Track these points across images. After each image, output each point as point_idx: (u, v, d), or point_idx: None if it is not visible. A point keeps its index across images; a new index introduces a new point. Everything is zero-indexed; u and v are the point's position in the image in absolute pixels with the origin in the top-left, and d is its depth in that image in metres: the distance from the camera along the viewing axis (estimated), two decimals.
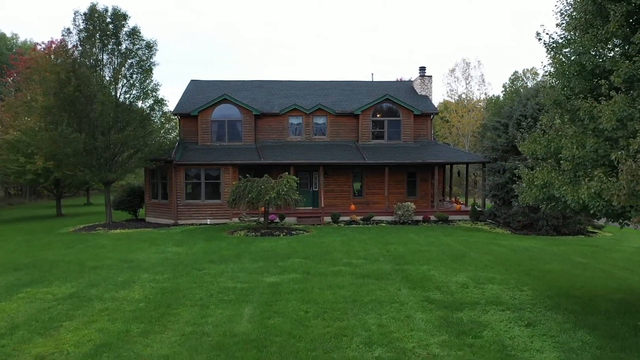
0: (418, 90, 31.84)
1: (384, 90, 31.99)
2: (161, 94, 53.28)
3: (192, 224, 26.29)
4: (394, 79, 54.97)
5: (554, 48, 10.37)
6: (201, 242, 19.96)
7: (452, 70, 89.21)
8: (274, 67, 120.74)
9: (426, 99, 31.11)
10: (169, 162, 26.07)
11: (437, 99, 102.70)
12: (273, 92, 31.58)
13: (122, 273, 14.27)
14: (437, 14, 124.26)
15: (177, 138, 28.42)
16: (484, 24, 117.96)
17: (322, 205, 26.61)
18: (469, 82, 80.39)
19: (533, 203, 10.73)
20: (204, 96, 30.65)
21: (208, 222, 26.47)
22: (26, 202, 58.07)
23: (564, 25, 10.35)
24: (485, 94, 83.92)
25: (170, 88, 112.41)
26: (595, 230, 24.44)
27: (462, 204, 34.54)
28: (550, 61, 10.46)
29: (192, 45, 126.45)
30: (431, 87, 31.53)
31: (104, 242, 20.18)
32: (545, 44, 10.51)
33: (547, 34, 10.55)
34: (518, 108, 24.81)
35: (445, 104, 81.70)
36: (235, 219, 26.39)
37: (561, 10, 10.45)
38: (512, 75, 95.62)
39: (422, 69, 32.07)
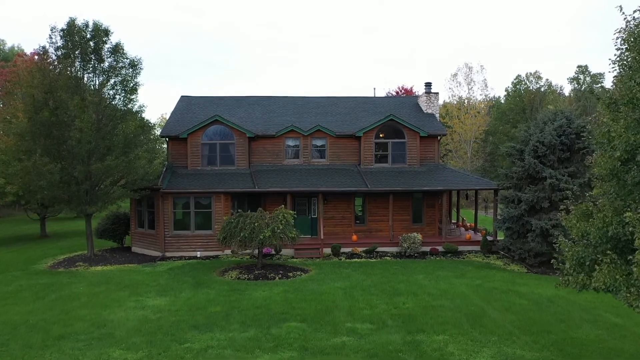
0: (424, 108, 29.82)
1: (387, 108, 30.02)
2: (147, 115, 51.14)
3: (181, 257, 24.29)
4: (395, 86, 53.01)
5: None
6: (187, 290, 17.93)
7: (454, 75, 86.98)
8: (276, 67, 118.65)
9: (432, 117, 29.11)
10: (156, 190, 24.06)
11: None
12: (269, 110, 29.55)
13: (90, 349, 12.25)
14: (438, 14, 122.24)
15: (165, 162, 26.37)
16: (487, 24, 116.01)
17: (322, 237, 24.57)
18: (472, 88, 78.38)
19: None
20: (194, 115, 28.63)
21: (198, 255, 24.47)
22: (14, 214, 55.97)
23: None
24: (486, 95, 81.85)
25: (167, 90, 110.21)
26: None
27: (470, 227, 32.60)
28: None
29: (192, 46, 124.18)
30: (437, 105, 29.55)
31: (80, 290, 18.12)
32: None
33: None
34: (535, 133, 22.82)
35: (447, 107, 79.74)
36: (228, 252, 24.38)
37: None
38: (514, 79, 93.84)
39: (428, 84, 30.08)
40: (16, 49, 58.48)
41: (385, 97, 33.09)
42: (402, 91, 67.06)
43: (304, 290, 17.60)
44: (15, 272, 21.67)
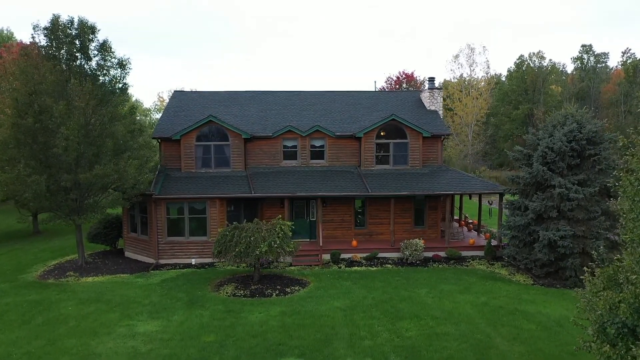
0: (427, 104, 28.68)
1: (388, 104, 28.90)
2: (143, 95, 50.02)
3: (175, 264, 23.53)
4: (396, 71, 51.86)
5: None
6: (180, 311, 17.17)
7: (456, 57, 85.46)
8: (272, 39, 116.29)
9: (435, 115, 27.99)
10: (148, 195, 23.13)
11: (438, 80, 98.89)
12: (266, 107, 28.40)
13: None
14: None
15: (158, 165, 25.34)
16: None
17: (321, 245, 23.75)
18: (474, 69, 76.85)
19: None
20: (187, 113, 27.50)
21: (193, 262, 23.69)
22: (6, 203, 54.93)
23: None
24: (487, 72, 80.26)
25: (162, 64, 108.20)
26: None
27: (473, 224, 31.85)
28: None
29: (187, 19, 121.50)
30: (440, 101, 28.39)
31: (68, 311, 17.32)
32: None
33: None
34: (544, 138, 21.78)
35: (448, 90, 78.20)
36: (224, 259, 23.54)
37: None
38: (517, 59, 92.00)
39: (431, 80, 28.88)
40: (5, 32, 56.61)
41: (386, 92, 31.87)
42: (403, 76, 65.55)
43: (302, 313, 16.84)
44: (2, 284, 20.88)
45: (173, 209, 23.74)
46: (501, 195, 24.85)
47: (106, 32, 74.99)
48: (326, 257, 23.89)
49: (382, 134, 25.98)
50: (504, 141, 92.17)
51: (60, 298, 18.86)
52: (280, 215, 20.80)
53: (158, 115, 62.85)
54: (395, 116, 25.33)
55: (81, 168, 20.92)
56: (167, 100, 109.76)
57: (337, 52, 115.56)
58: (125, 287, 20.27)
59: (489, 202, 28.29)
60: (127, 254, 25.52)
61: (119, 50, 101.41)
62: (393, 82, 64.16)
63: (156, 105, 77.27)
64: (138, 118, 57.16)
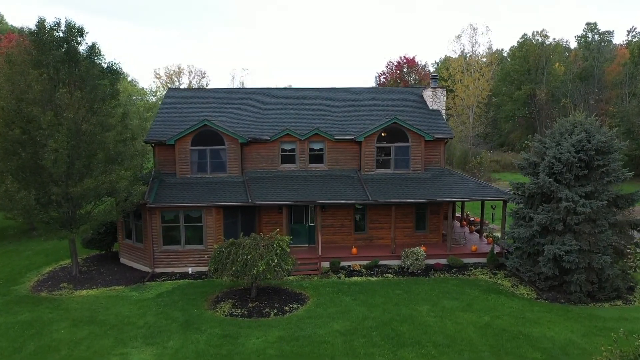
0: (429, 104, 27.77)
1: (389, 102, 28.02)
2: (138, 71, 48.52)
3: (172, 273, 23.07)
4: (397, 55, 50.81)
5: None
6: (176, 335, 16.71)
7: (458, 37, 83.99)
8: (270, 9, 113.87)
9: (438, 115, 27.12)
10: (142, 204, 22.48)
11: (439, 56, 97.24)
12: (262, 107, 27.49)
13: None
14: None
15: (152, 172, 24.58)
16: None
17: (320, 254, 23.22)
18: (476, 50, 75.25)
19: None
20: (181, 114, 26.62)
21: (190, 272, 23.21)
22: None
23: None
24: (490, 48, 78.75)
25: (158, 37, 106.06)
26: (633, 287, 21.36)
27: (476, 221, 31.41)
28: None
29: None
30: (443, 100, 27.48)
31: (61, 335, 16.84)
32: None
33: None
34: (551, 147, 21.01)
35: (449, 71, 76.76)
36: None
37: None
38: (520, 38, 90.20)
39: (434, 77, 27.94)
40: None
41: (387, 89, 30.90)
42: (404, 60, 64.11)
43: (301, 339, 16.38)
44: None
45: (168, 217, 23.12)
46: (504, 202, 24.22)
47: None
48: (325, 265, 23.43)
49: (383, 134, 25.16)
50: (505, 122, 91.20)
51: (53, 318, 18.39)
52: (278, 230, 20.17)
53: (153, 99, 61.47)
54: (397, 119, 24.49)
55: (72, 180, 20.21)
56: (164, 77, 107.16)
57: (336, 26, 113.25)
58: (120, 302, 19.81)
59: (492, 206, 27.76)
60: (123, 260, 25.03)
61: (114, 25, 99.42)
62: (394, 67, 62.76)
63: (153, 83, 75.58)
64: (131, 122, 56.14)
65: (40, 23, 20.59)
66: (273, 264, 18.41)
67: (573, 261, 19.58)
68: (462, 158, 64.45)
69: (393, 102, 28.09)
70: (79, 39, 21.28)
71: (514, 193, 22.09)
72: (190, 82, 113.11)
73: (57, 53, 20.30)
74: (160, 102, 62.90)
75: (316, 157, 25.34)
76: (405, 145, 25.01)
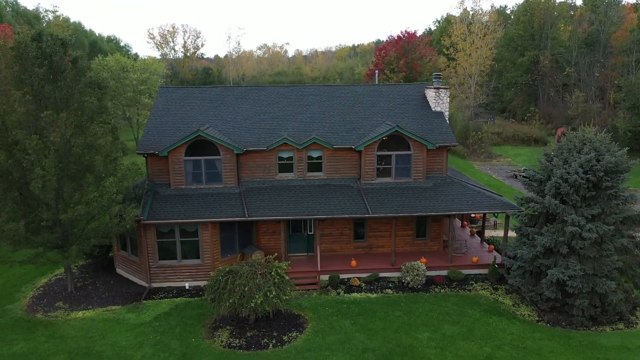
0: (432, 105, 26.71)
1: (390, 102, 26.98)
2: (131, 37, 46.52)
3: (169, 289, 22.76)
4: (398, 30, 48.99)
5: None
6: None
7: (461, 2, 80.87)
8: None
9: (441, 116, 26.12)
10: (137, 221, 21.88)
11: (441, 14, 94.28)
12: (258, 109, 26.42)
13: None
14: None
15: (145, 184, 23.77)
16: None
17: (319, 268, 22.85)
18: (480, 6, 72.65)
19: None
20: (174, 118, 25.61)
21: (187, 287, 22.90)
22: None
23: None
24: (492, 6, 76.30)
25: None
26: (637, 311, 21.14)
27: (477, 218, 30.99)
28: None
29: None
30: (447, 101, 26.38)
31: None
32: None
33: None
34: (558, 166, 20.25)
35: (452, 38, 74.51)
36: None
37: None
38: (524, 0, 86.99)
39: (437, 76, 26.74)
40: None
41: (388, 86, 29.67)
42: (405, 35, 61.93)
43: None
44: None
45: (163, 232, 22.58)
46: (507, 217, 23.66)
47: None
48: (324, 278, 23.11)
49: (384, 138, 24.24)
50: (507, 89, 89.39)
51: (49, 349, 18.15)
52: (275, 254, 19.69)
53: (147, 74, 59.37)
54: (399, 128, 23.53)
55: (62, 203, 19.51)
56: (158, 38, 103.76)
57: None
58: (117, 328, 19.55)
59: (494, 215, 27.21)
60: (119, 270, 24.68)
61: None
62: (395, 41, 60.71)
63: (147, 44, 72.48)
64: (126, 95, 54.43)
65: (21, 39, 19.28)
66: (271, 295, 18.02)
67: (577, 286, 19.23)
68: (463, 132, 63.27)
69: (394, 102, 27.01)
70: (63, 53, 20.05)
71: (520, 202, 21.45)
72: (185, 42, 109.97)
73: (40, 71, 19.10)
74: (154, 76, 61.07)
75: (315, 166, 24.54)
76: (406, 153, 24.17)
